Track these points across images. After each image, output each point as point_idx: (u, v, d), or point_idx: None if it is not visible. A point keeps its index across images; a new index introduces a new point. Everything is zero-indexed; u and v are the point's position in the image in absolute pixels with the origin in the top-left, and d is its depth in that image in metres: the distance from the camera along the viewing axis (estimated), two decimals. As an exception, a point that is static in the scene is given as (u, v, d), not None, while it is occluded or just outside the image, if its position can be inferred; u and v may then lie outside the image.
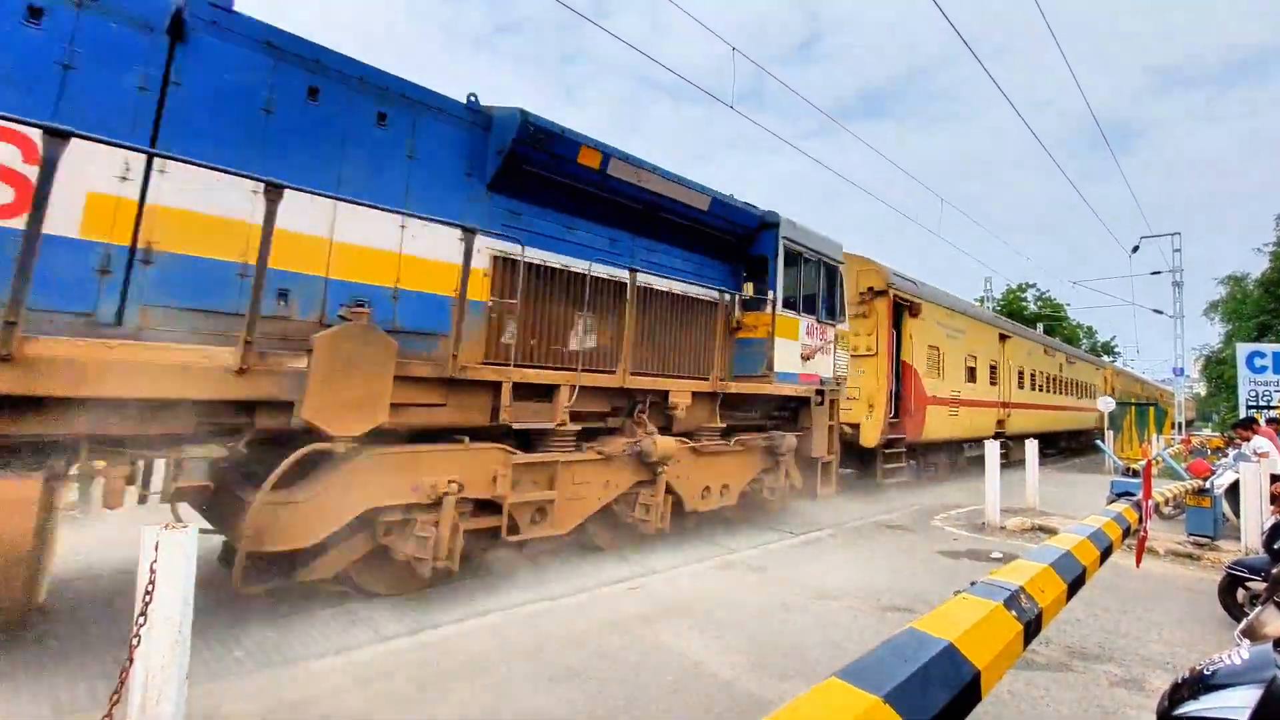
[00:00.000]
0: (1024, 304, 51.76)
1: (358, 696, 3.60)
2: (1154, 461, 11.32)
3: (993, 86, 11.52)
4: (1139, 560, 4.78)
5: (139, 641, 2.40)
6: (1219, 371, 37.83)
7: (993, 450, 10.15)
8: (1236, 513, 8.25)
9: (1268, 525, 5.53)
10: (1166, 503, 9.26)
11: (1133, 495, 4.54)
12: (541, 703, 3.62)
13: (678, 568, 6.58)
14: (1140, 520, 4.14)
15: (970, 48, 10.15)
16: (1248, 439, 9.66)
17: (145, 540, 2.47)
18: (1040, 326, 38.13)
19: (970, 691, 1.49)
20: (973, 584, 2.07)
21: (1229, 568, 5.24)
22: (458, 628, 4.69)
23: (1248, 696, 1.36)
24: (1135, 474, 11.89)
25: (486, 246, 5.82)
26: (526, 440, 6.15)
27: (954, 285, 19.08)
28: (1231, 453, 11.73)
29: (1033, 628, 1.95)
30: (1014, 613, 1.86)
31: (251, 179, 4.11)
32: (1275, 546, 4.82)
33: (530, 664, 4.10)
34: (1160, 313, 28.94)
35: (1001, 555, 7.57)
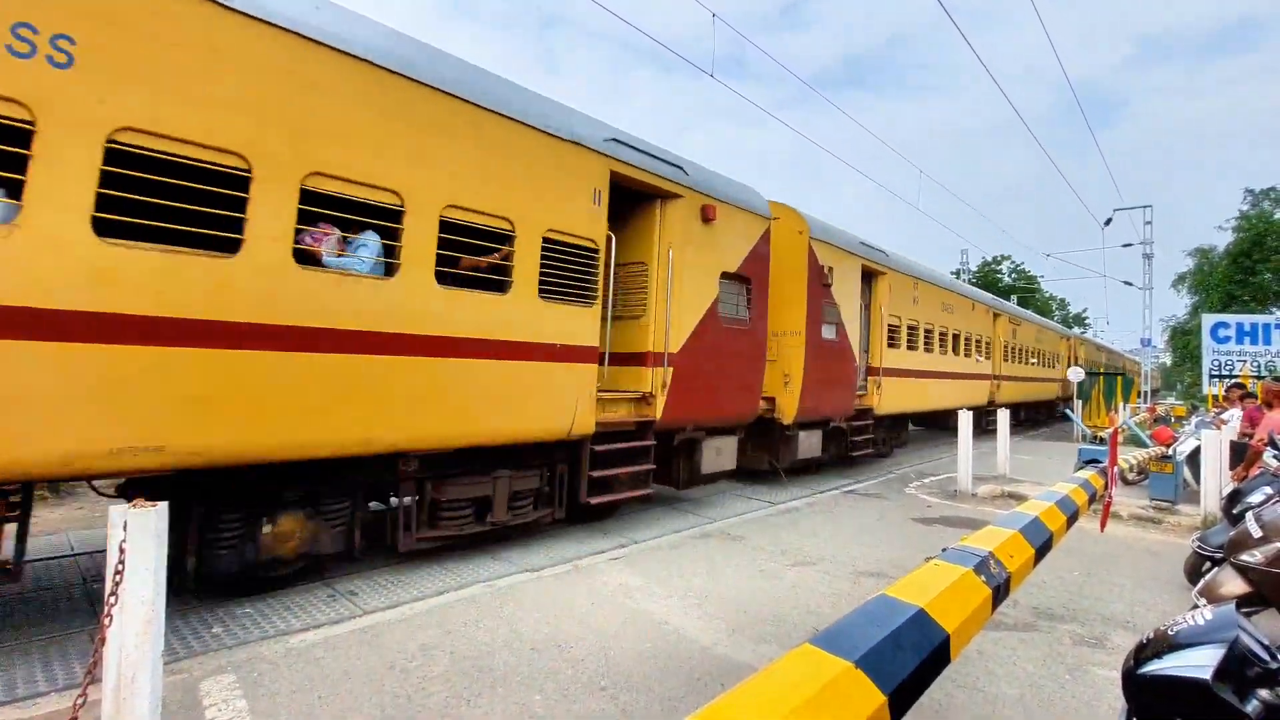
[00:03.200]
0: (999, 276, 52.49)
1: (334, 669, 3.61)
2: (1120, 430, 11.64)
3: (976, 53, 11.47)
4: (1104, 524, 4.93)
5: (111, 621, 2.37)
6: (1185, 342, 38.89)
7: (965, 419, 10.36)
8: (1197, 478, 8.54)
9: (1227, 491, 5.72)
10: (1131, 469, 9.57)
11: (1099, 462, 4.66)
12: (523, 671, 3.66)
13: (657, 538, 6.66)
14: (1106, 486, 4.27)
15: (951, 16, 10.07)
16: (1237, 406, 9.91)
17: (113, 519, 2.42)
18: (1014, 299, 38.73)
19: (940, 654, 1.53)
20: (944, 550, 2.11)
21: (1197, 549, 5.32)
22: (439, 600, 4.71)
23: (1211, 655, 1.41)
24: (1102, 441, 12.25)
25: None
26: None
27: (931, 257, 18.80)
28: (1194, 419, 12.08)
29: (1001, 591, 2.01)
30: (983, 578, 1.91)
31: None
32: (1234, 511, 5.00)
33: (511, 634, 4.14)
34: (1130, 284, 29.53)
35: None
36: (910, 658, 1.41)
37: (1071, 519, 3.07)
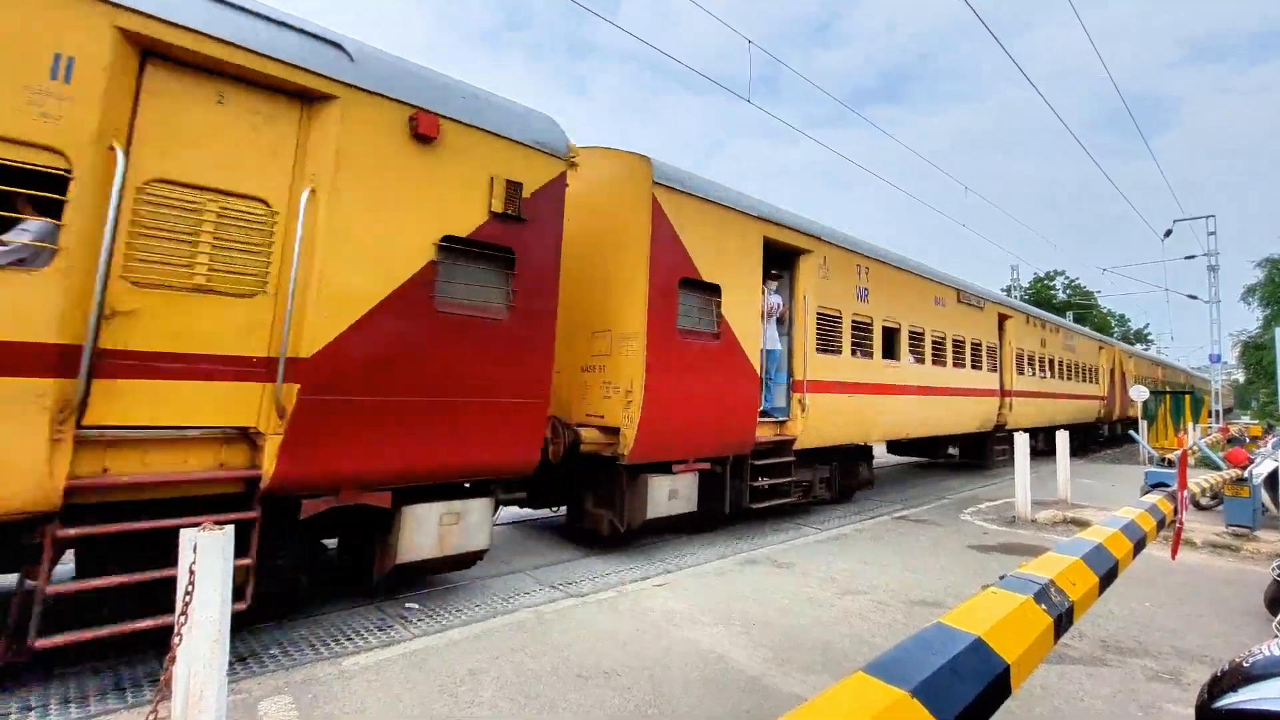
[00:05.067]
0: (1052, 292, 50.78)
1: (386, 692, 3.67)
2: (1190, 451, 11.03)
3: (1016, 63, 11.29)
4: (1174, 552, 4.67)
5: (180, 640, 2.48)
6: (1257, 357, 36.76)
7: (1022, 441, 9.98)
8: (1276, 502, 8.02)
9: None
10: (1203, 493, 9.04)
11: (1167, 486, 4.44)
12: (570, 698, 3.66)
13: (703, 564, 6.59)
14: (1176, 511, 4.06)
15: (988, 26, 9.96)
16: None
17: (184, 541, 2.55)
18: (1070, 315, 37.33)
19: (1000, 685, 1.49)
20: (1002, 578, 2.05)
21: (1277, 576, 5.03)
22: (486, 624, 4.75)
23: None
24: (1170, 464, 11.62)
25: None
26: None
27: (978, 274, 18.53)
28: (1270, 440, 11.36)
29: (1064, 621, 1.93)
30: (1044, 606, 1.84)
31: None
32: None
33: (558, 660, 4.14)
34: (1195, 298, 28.18)
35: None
36: (969, 688, 1.38)
37: (1138, 546, 2.94)
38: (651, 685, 3.84)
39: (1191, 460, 11.05)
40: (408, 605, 5.30)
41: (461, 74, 5.83)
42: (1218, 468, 10.87)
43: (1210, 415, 24.38)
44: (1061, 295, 50.44)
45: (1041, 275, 51.90)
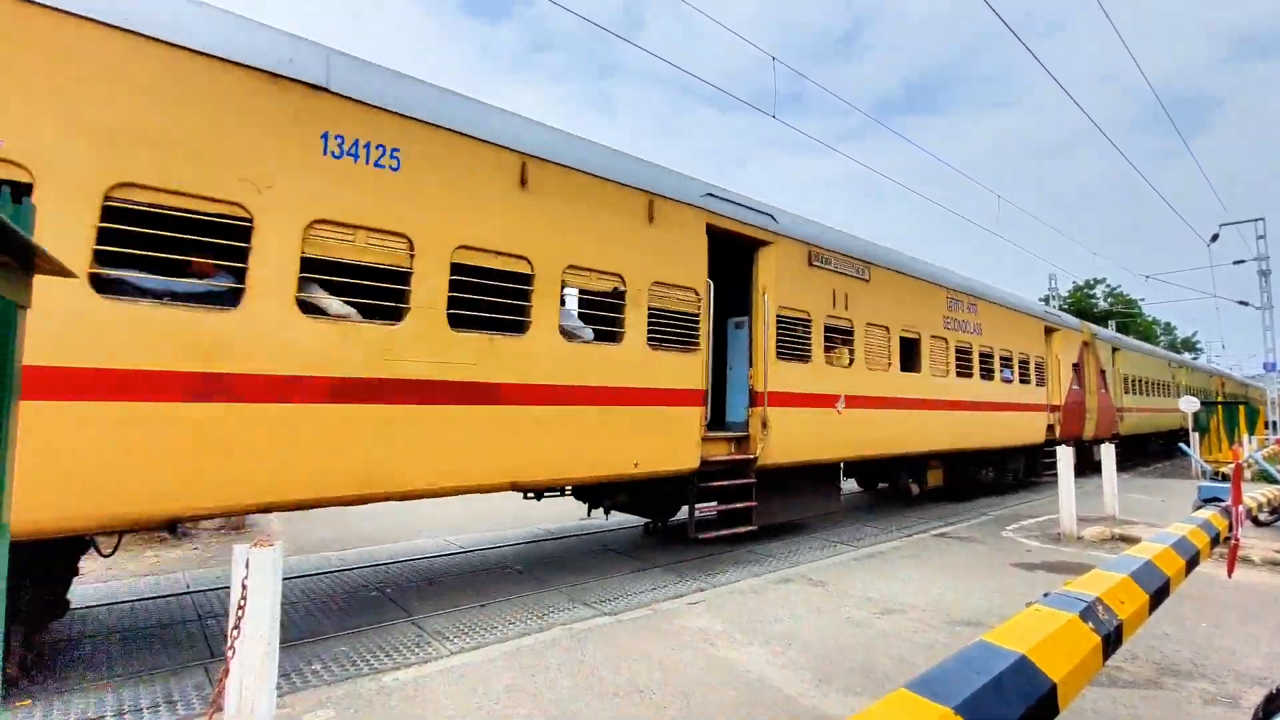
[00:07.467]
0: (1093, 300, 49.38)
1: (425, 708, 3.72)
2: (1245, 465, 10.56)
3: (1046, 67, 11.14)
4: (1231, 569, 4.48)
5: (234, 652, 2.57)
6: (1317, 365, 35.03)
7: (1065, 455, 9.70)
8: (1343, 518, 7.62)
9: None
10: (1261, 508, 8.63)
11: (1221, 501, 4.28)
12: (604, 716, 3.65)
13: (737, 582, 6.53)
14: (1231, 527, 3.91)
15: (1014, 31, 9.85)
16: None
17: (236, 557, 2.64)
18: (1112, 324, 36.20)
19: (1047, 704, 1.46)
20: (1046, 595, 2.01)
21: None
22: (521, 641, 4.78)
23: None
24: (1224, 478, 11.15)
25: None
26: None
27: (1014, 284, 18.29)
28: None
29: (1112, 640, 1.89)
30: (1091, 624, 1.81)
31: None
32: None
33: (592, 678, 4.15)
34: (1246, 304, 27.12)
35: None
36: (1014, 706, 1.36)
37: (1191, 563, 2.84)
38: (687, 705, 3.81)
39: (1247, 474, 10.61)
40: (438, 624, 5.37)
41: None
42: (1276, 481, 10.40)
43: (1267, 426, 23.33)
44: (1103, 304, 49.00)
45: (1081, 284, 50.57)
